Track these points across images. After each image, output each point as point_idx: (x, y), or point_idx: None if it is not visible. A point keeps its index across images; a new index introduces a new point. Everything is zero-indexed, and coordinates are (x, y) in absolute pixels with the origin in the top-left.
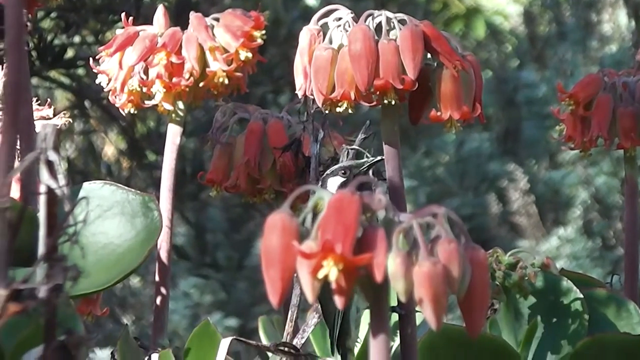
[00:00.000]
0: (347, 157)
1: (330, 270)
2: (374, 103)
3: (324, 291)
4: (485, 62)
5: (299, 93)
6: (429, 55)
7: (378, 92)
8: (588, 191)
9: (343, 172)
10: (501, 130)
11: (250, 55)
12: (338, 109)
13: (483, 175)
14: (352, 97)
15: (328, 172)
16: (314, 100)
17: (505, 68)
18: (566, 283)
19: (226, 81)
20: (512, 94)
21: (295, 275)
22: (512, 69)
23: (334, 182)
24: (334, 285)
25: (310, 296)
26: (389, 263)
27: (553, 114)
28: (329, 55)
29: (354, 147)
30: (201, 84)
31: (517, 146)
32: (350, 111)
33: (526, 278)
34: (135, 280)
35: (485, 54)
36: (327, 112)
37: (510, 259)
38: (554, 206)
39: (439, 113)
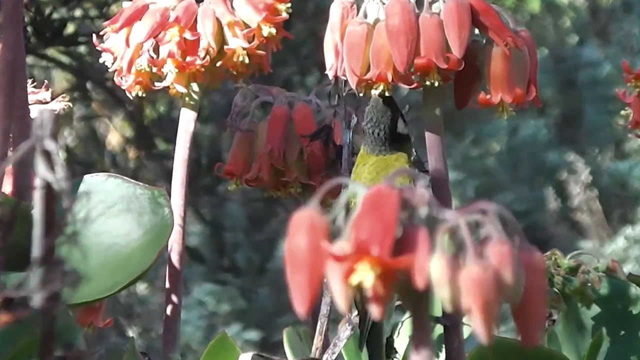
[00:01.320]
0: None
1: (366, 275)
2: (415, 85)
3: (359, 300)
4: (541, 38)
5: (329, 74)
6: (476, 31)
7: (419, 73)
8: None
9: None
10: (559, 116)
11: (274, 31)
12: (374, 92)
13: (539, 167)
14: (390, 78)
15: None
16: (346, 81)
17: (563, 45)
18: (635, 290)
19: (247, 60)
20: (571, 74)
21: (325, 281)
22: (571, 46)
23: None
24: (369, 293)
25: (342, 305)
26: (433, 267)
27: (618, 97)
28: (363, 31)
29: None
30: (219, 64)
31: (578, 133)
32: (387, 94)
33: (589, 284)
34: (142, 287)
35: (540, 29)
36: (361, 95)
37: (571, 262)
38: (621, 202)
39: (488, 96)
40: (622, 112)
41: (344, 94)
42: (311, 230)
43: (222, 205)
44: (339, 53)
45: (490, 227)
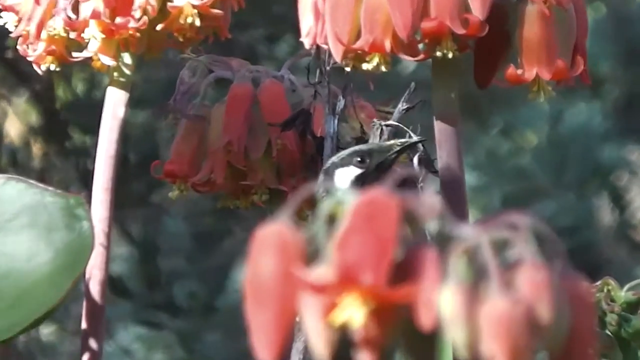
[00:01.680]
0: (381, 137)
1: (355, 311)
2: (422, 56)
3: (344, 345)
4: None
5: (306, 41)
6: None
7: (427, 40)
8: None
9: (359, 159)
10: (620, 97)
11: None
12: (366, 66)
13: (592, 167)
14: (388, 47)
15: (335, 159)
16: (329, 52)
17: (627, 1)
18: None
19: (197, 22)
20: (637, 42)
21: (298, 319)
22: (637, 2)
23: (343, 175)
24: (359, 335)
25: (321, 352)
26: (444, 301)
27: None
28: None
29: (390, 122)
30: (159, 27)
31: None
32: (384, 69)
33: None
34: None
35: None
36: (349, 69)
37: (630, 295)
38: None
39: (520, 71)
40: None
41: (327, 69)
42: (281, 251)
43: (158, 220)
44: (319, 14)
45: (522, 248)
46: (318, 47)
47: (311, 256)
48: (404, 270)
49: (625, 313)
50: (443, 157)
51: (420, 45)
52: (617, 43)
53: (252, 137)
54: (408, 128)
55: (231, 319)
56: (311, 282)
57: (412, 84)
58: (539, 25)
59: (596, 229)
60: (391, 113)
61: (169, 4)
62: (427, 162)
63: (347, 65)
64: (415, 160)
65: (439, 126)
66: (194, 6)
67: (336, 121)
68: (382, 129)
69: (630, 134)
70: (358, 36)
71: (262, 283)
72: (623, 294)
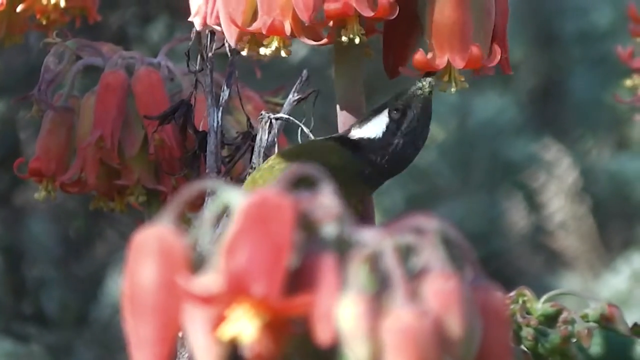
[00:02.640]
0: (270, 132)
1: (245, 324)
2: (325, 40)
3: None
4: None
5: (196, 22)
6: None
7: (331, 23)
8: None
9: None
10: (535, 88)
11: None
12: (263, 51)
13: (503, 165)
14: (288, 30)
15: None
16: (213, 34)
17: None
18: None
19: (63, 2)
20: (553, 25)
21: (182, 333)
22: None
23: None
24: (250, 351)
25: None
26: (343, 313)
27: (621, 59)
28: None
29: (280, 115)
30: (20, 8)
31: (562, 115)
32: (284, 54)
33: (574, 340)
34: None
35: None
36: (238, 54)
37: (547, 306)
38: (624, 217)
39: (429, 55)
40: (627, 82)
41: (211, 54)
42: (162, 257)
43: (22, 223)
44: None
45: (429, 254)
46: (199, 31)
47: (196, 263)
48: (300, 279)
49: (542, 327)
50: None
51: (323, 29)
52: (530, 26)
53: (126, 132)
54: (301, 121)
55: (107, 332)
56: (197, 292)
57: (305, 71)
58: (451, 6)
59: (508, 235)
60: (281, 105)
61: None
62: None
63: (242, 50)
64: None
65: (342, 119)
66: None
67: (220, 114)
68: (271, 122)
69: (545, 127)
70: (254, 17)
71: (142, 293)
72: (540, 306)
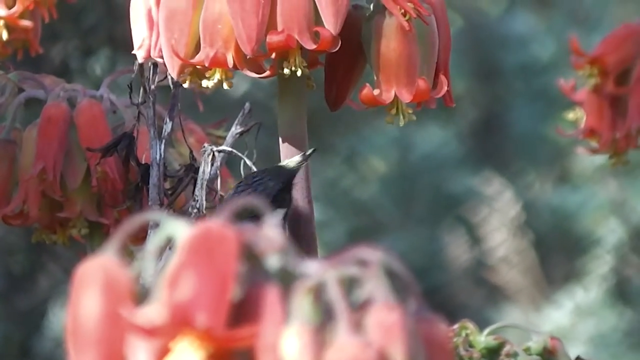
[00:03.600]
0: (212, 164)
1: (190, 356)
2: (267, 73)
3: None
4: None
5: (139, 54)
6: None
7: (274, 55)
8: (623, 224)
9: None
10: (476, 121)
11: None
12: (206, 83)
13: (445, 199)
14: (230, 62)
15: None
16: (155, 66)
17: (483, 12)
18: None
19: (5, 34)
20: (494, 57)
21: None
22: (495, 14)
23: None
24: None
25: None
26: (287, 344)
27: (563, 92)
28: None
29: (223, 147)
30: None
31: (503, 148)
32: (226, 86)
33: None
34: None
35: None
36: (181, 87)
37: (490, 339)
38: (566, 250)
39: (376, 91)
40: (570, 115)
41: (153, 86)
42: (106, 289)
43: None
44: (153, 24)
45: (373, 286)
46: (141, 63)
47: (140, 295)
48: (244, 311)
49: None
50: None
51: (265, 61)
52: (472, 58)
53: (68, 164)
54: (243, 154)
55: None
56: (141, 323)
57: (247, 104)
58: (398, 40)
59: (450, 268)
60: (223, 137)
61: None
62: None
63: (184, 82)
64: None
65: (285, 151)
66: (0, 17)
67: (163, 146)
68: (213, 154)
69: (487, 161)
70: (197, 49)
71: (86, 325)
72: (483, 339)
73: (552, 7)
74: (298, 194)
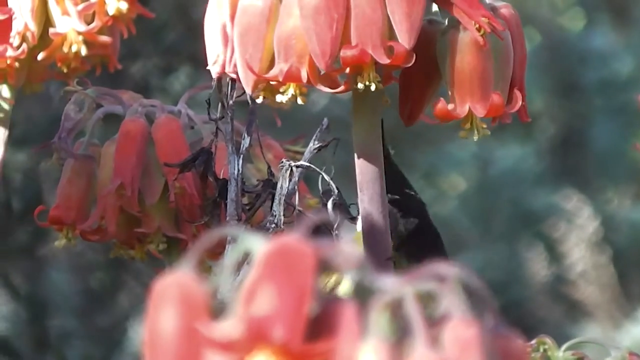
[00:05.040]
0: (291, 180)
1: None
2: (342, 88)
3: None
4: (531, 18)
5: (214, 70)
6: (435, 7)
7: (348, 70)
8: None
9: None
10: (556, 137)
11: (125, 5)
12: (280, 98)
13: (524, 215)
14: (305, 77)
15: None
16: (233, 83)
17: (562, 28)
18: None
19: (84, 50)
20: (574, 74)
21: None
22: (575, 31)
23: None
24: None
25: None
26: (365, 359)
27: None
28: (265, 6)
29: (301, 162)
30: (41, 56)
31: (583, 164)
32: (300, 101)
33: None
34: None
35: (531, 5)
36: (258, 102)
37: (569, 355)
38: None
39: (450, 105)
40: None
41: (231, 102)
42: (183, 304)
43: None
44: (228, 39)
45: (450, 301)
46: (219, 79)
47: (217, 310)
48: (321, 326)
49: None
50: (364, 201)
51: (340, 76)
52: (552, 75)
53: (146, 180)
54: (321, 169)
55: None
56: (217, 338)
57: (325, 119)
58: (473, 55)
59: (528, 284)
60: (301, 153)
61: (50, 30)
62: (342, 207)
63: (258, 98)
64: (330, 205)
65: (360, 167)
66: (78, 32)
67: (240, 161)
68: (291, 170)
69: (566, 177)
70: (271, 65)
71: (163, 340)
72: (561, 355)
73: (631, 23)
74: (373, 208)
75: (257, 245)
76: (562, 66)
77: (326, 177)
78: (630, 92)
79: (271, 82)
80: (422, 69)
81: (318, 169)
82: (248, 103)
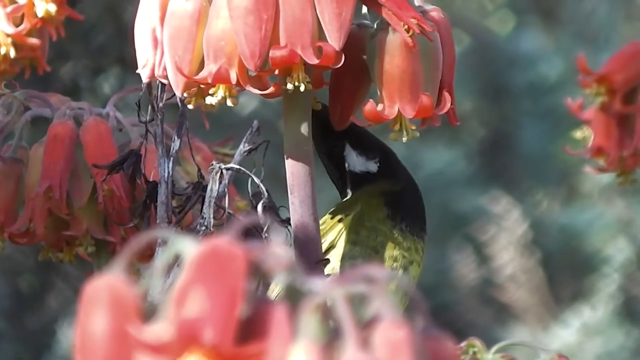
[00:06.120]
0: (220, 182)
1: None
2: (271, 90)
3: None
4: (460, 20)
5: (143, 73)
6: (364, 9)
7: (277, 71)
8: (631, 243)
9: None
10: (484, 140)
11: (53, 7)
12: (209, 101)
13: (452, 218)
14: (234, 78)
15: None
16: (162, 85)
17: (491, 31)
18: None
19: (12, 53)
20: (503, 77)
21: None
22: (504, 33)
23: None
24: None
25: None
26: None
27: (570, 111)
28: (194, 9)
29: (231, 165)
30: None
31: (512, 167)
32: (230, 103)
33: None
34: None
35: (460, 7)
36: (188, 105)
37: (498, 357)
38: (574, 269)
39: (380, 107)
40: (577, 134)
41: (160, 105)
42: (113, 307)
43: None
44: (157, 43)
45: (380, 303)
46: (149, 82)
47: (148, 313)
48: (252, 328)
49: None
50: (295, 204)
51: (269, 78)
52: (480, 77)
53: (74, 182)
54: (251, 172)
55: None
56: (148, 341)
57: (255, 122)
58: (402, 56)
59: (457, 287)
60: (230, 155)
61: None
62: (271, 210)
63: (187, 100)
64: (260, 208)
65: (291, 169)
66: (7, 35)
67: (171, 164)
68: (221, 172)
69: (495, 180)
70: (201, 67)
71: (94, 343)
72: (490, 357)
73: (560, 26)
74: (304, 211)
75: (188, 247)
76: (490, 68)
77: (256, 180)
78: (559, 94)
79: (201, 85)
80: (352, 72)
81: (248, 172)
82: (177, 105)
